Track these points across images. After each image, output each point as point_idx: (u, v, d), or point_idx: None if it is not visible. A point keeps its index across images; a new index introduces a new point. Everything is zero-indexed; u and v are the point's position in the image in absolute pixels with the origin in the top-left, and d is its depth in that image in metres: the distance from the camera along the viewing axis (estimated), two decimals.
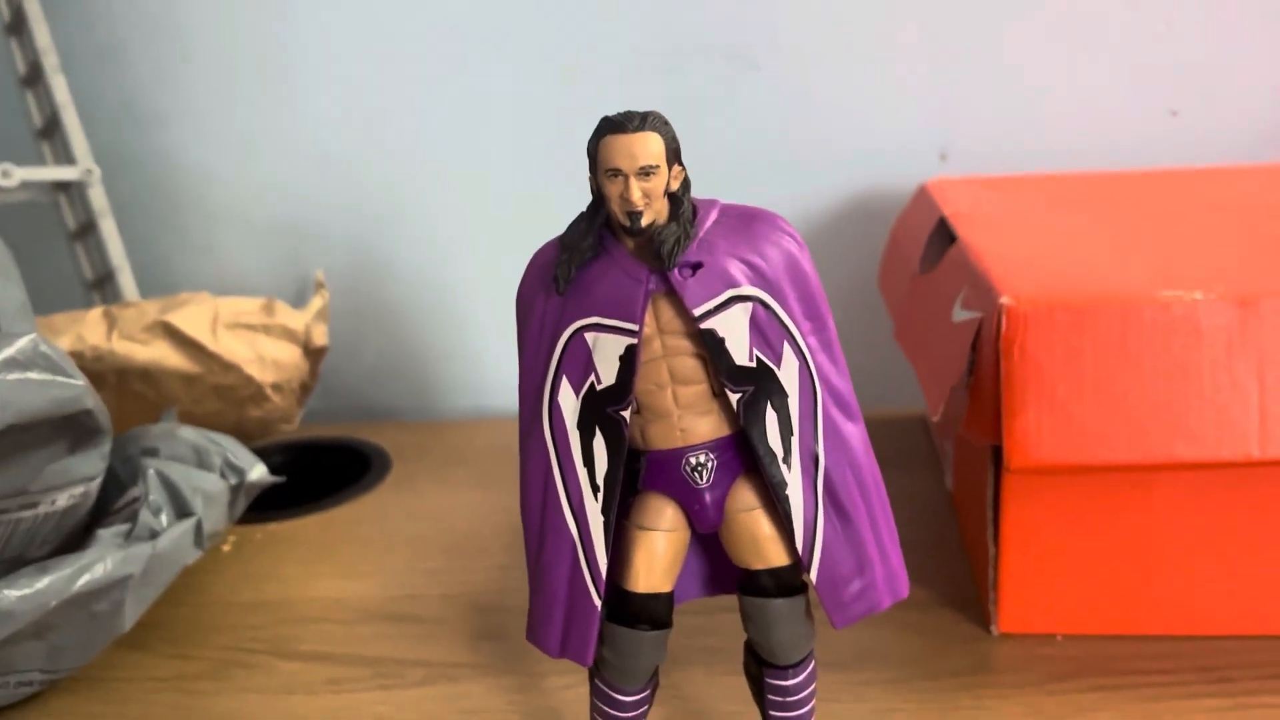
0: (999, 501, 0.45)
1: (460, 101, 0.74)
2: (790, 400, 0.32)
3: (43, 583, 0.42)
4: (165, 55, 0.75)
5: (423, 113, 0.75)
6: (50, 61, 0.69)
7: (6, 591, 0.41)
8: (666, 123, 0.31)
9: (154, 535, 0.47)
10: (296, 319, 0.64)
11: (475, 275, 0.78)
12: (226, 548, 0.59)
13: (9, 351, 0.39)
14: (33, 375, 0.40)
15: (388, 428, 0.75)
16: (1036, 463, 0.41)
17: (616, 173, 0.30)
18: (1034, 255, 0.47)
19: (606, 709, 0.35)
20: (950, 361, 0.45)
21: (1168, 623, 0.45)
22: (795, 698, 0.35)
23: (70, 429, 0.43)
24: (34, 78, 0.70)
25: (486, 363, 0.79)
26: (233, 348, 0.61)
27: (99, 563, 0.44)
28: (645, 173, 0.30)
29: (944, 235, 0.54)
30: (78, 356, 0.59)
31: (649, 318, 0.31)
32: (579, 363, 0.32)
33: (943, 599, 0.50)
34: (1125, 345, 0.41)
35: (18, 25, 0.70)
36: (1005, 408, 0.41)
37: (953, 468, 0.57)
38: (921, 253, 0.56)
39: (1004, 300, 0.41)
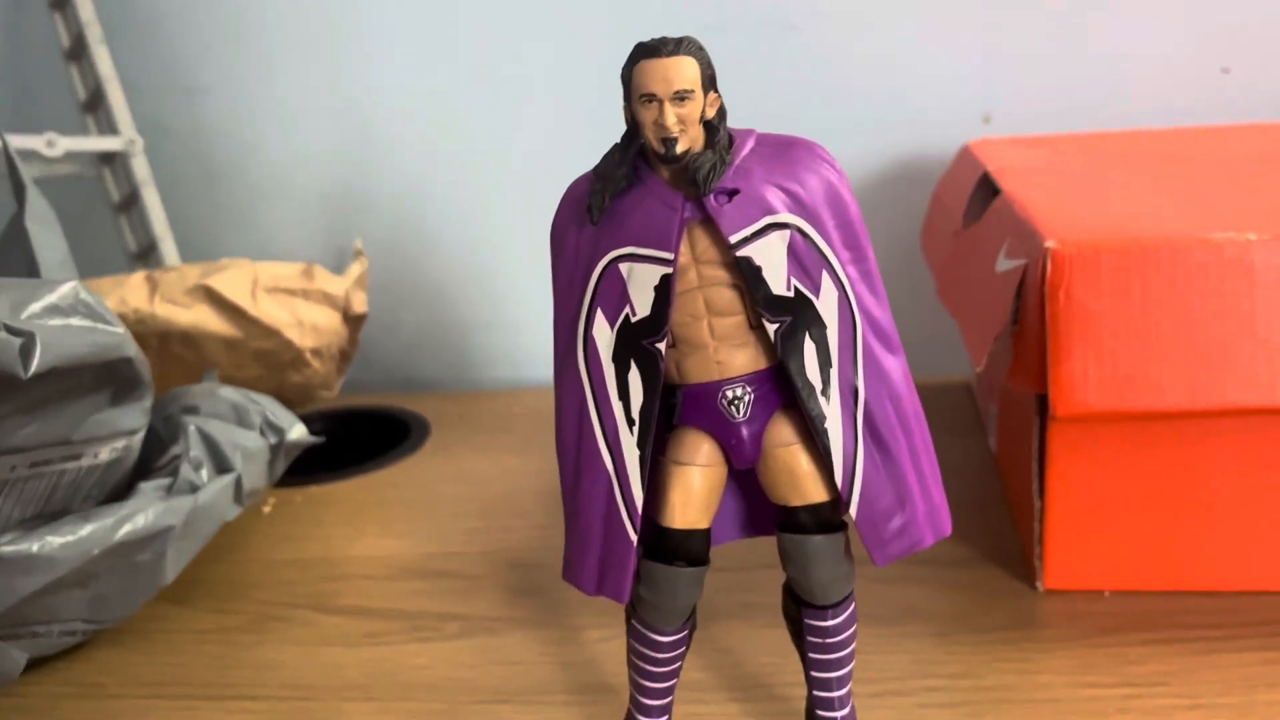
0: (1044, 453, 0.44)
1: (499, 71, 0.74)
2: (829, 331, 0.31)
3: (85, 530, 0.43)
4: (207, 27, 0.76)
5: (462, 83, 0.75)
6: (94, 34, 0.70)
7: (50, 538, 0.42)
8: (701, 48, 0.30)
9: (195, 489, 0.48)
10: (336, 284, 0.64)
11: (513, 247, 0.78)
12: (267, 509, 0.59)
13: (51, 298, 0.40)
14: (74, 321, 0.40)
15: (427, 397, 0.76)
16: (1083, 410, 0.40)
17: (651, 98, 0.30)
18: (1080, 203, 0.46)
19: (644, 649, 0.34)
20: (994, 311, 0.44)
21: (1219, 578, 0.44)
22: (835, 639, 0.34)
23: (111, 379, 0.43)
24: (78, 50, 0.71)
25: (524, 334, 0.79)
26: (272, 312, 0.62)
27: (140, 513, 0.45)
28: (680, 97, 0.29)
29: (987, 190, 0.53)
30: (121, 319, 0.59)
31: (684, 247, 0.31)
32: (614, 294, 0.31)
33: (986, 557, 0.49)
34: (1175, 288, 0.40)
35: (62, 0, 0.71)
36: (1050, 354, 0.41)
37: (996, 428, 0.56)
38: (964, 209, 0.55)
39: (1049, 244, 0.40)
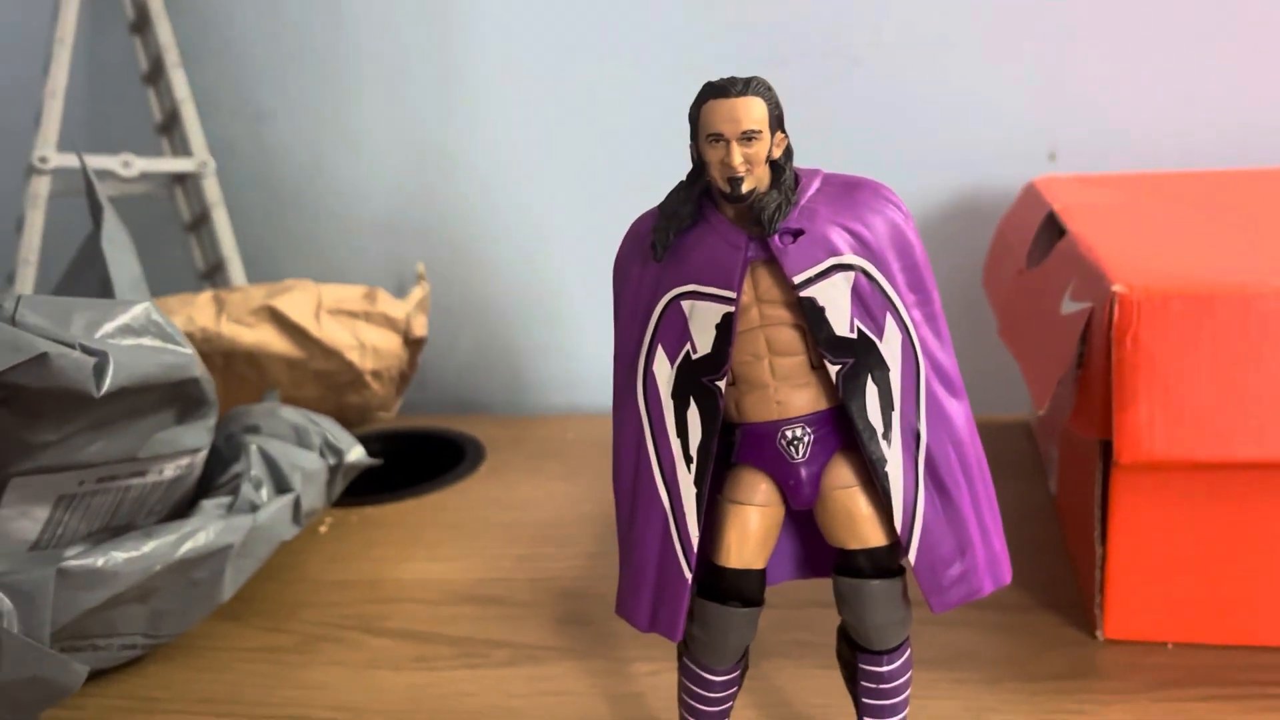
0: (1107, 500, 0.43)
1: (562, 99, 0.75)
2: (892, 374, 0.31)
3: (148, 546, 0.43)
4: (278, 53, 0.78)
5: (525, 110, 0.76)
6: (171, 58, 0.72)
7: (114, 553, 0.42)
8: (770, 88, 0.30)
9: (254, 509, 0.48)
10: (398, 308, 0.65)
11: (571, 272, 0.78)
12: (323, 529, 0.60)
13: (124, 318, 0.41)
14: (145, 342, 0.41)
15: (482, 420, 0.76)
16: (1148, 458, 0.39)
17: (718, 137, 0.30)
18: (1148, 246, 0.45)
19: (695, 688, 0.34)
20: (1058, 354, 0.44)
21: None
22: (890, 685, 0.33)
23: (178, 398, 0.44)
24: (156, 74, 0.73)
25: (580, 359, 0.79)
26: (335, 334, 0.62)
27: (201, 531, 0.45)
28: (747, 138, 0.30)
29: (1052, 230, 0.53)
30: (188, 337, 0.60)
31: (747, 286, 0.31)
32: (675, 331, 0.31)
33: (1044, 602, 0.48)
34: (1246, 336, 0.39)
35: (141, 24, 0.73)
36: (1116, 400, 0.40)
37: (1057, 471, 0.55)
38: (1028, 248, 0.54)
39: (1116, 288, 0.40)
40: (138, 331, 0.41)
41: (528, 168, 0.77)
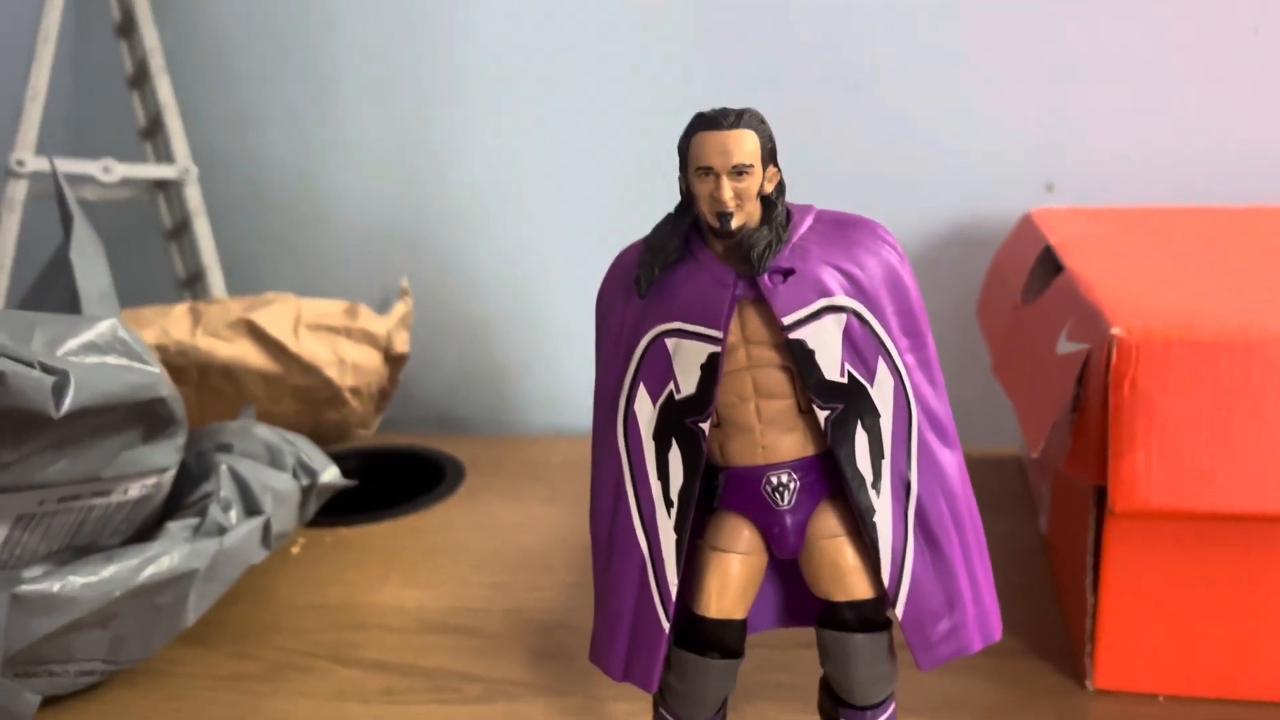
0: (1100, 547, 0.42)
1: (552, 116, 0.74)
2: (883, 421, 0.30)
3: (108, 571, 0.42)
4: (266, 60, 0.76)
5: (514, 126, 0.74)
6: (156, 63, 0.71)
7: (72, 578, 0.41)
8: (763, 121, 0.29)
9: (222, 531, 0.47)
10: (379, 324, 0.64)
11: (557, 291, 0.77)
12: (296, 550, 0.59)
13: (89, 335, 0.39)
14: (110, 360, 0.39)
15: (463, 440, 0.75)
16: (1144, 506, 0.38)
17: (708, 171, 0.29)
18: (1148, 287, 0.44)
19: None
20: (1053, 395, 0.43)
21: None
22: None
23: (144, 417, 0.43)
24: (140, 78, 0.72)
25: (565, 378, 0.78)
26: (313, 349, 0.61)
27: (165, 555, 0.44)
28: (738, 172, 0.28)
29: (1049, 265, 0.52)
30: (162, 350, 0.59)
31: (734, 325, 0.29)
32: (658, 370, 0.30)
33: (1033, 649, 0.47)
34: (1248, 385, 0.38)
35: (127, 27, 0.72)
36: (1112, 446, 0.39)
37: (1049, 510, 0.54)
38: (1024, 283, 0.53)
39: (1115, 331, 0.39)
40: (102, 349, 0.39)
41: (516, 183, 0.75)
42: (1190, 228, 0.56)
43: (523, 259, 0.77)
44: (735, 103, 0.75)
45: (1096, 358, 0.40)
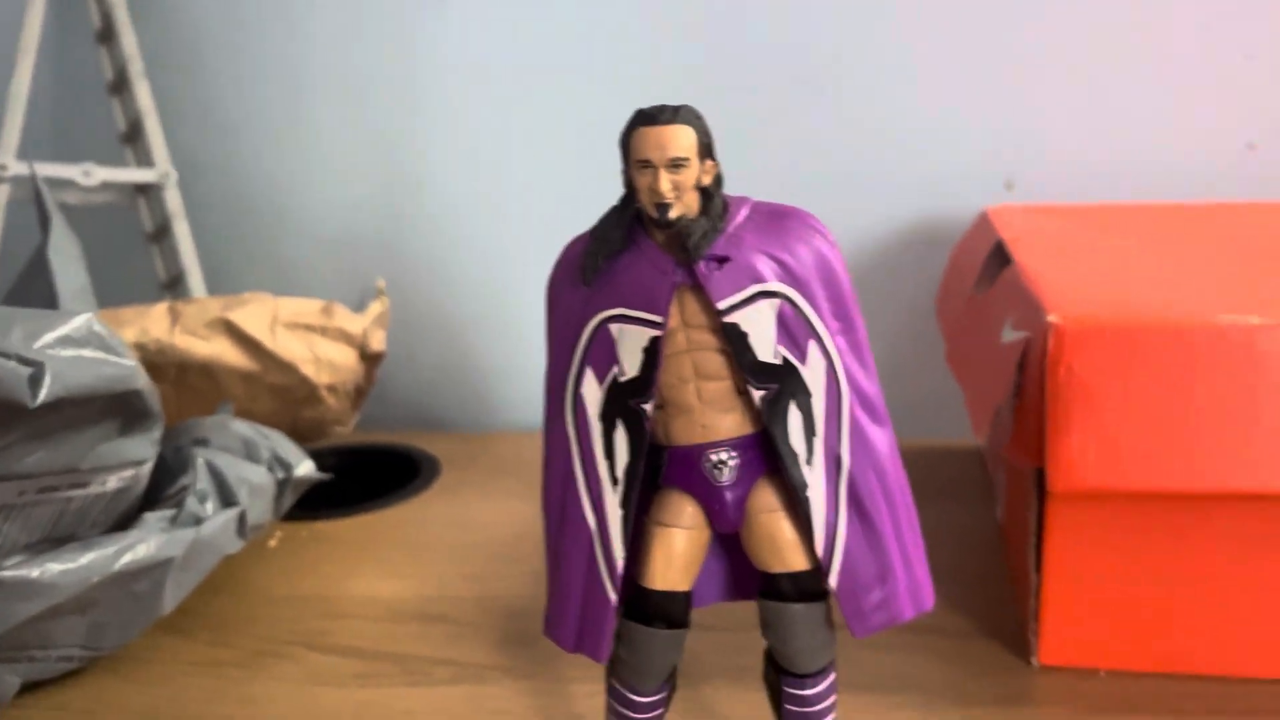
0: (1042, 528, 0.43)
1: (526, 119, 0.75)
2: (814, 400, 0.31)
3: (85, 559, 0.43)
4: (244, 65, 0.78)
5: (489, 129, 0.76)
6: (136, 69, 0.72)
7: (50, 565, 0.42)
8: (699, 116, 0.31)
9: (198, 522, 0.48)
10: (355, 323, 0.65)
11: (533, 289, 0.78)
12: (273, 543, 0.60)
13: (64, 329, 0.41)
14: (85, 353, 0.41)
15: (440, 437, 0.76)
16: (1080, 487, 0.40)
17: (646, 164, 0.30)
18: (1087, 278, 0.46)
19: (622, 710, 0.34)
20: (997, 382, 0.44)
21: (1217, 662, 0.43)
22: (814, 708, 0.34)
23: (121, 409, 0.44)
24: (120, 84, 0.73)
25: (539, 377, 0.79)
26: (290, 347, 0.62)
27: (141, 543, 0.45)
28: (675, 165, 0.30)
29: (1000, 258, 0.53)
30: (141, 349, 0.60)
31: (674, 310, 0.31)
32: (604, 354, 0.32)
33: (984, 630, 0.48)
34: (1178, 369, 0.39)
35: (107, 33, 0.73)
36: (1050, 429, 0.40)
37: (1004, 498, 0.56)
38: (976, 276, 0.55)
39: (1051, 318, 0.40)
40: (78, 342, 0.41)
41: (491, 184, 0.77)
42: (1140, 223, 0.58)
43: (497, 260, 0.78)
44: (703, 105, 0.77)
45: (1035, 345, 0.41)
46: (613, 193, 0.70)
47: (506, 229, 0.78)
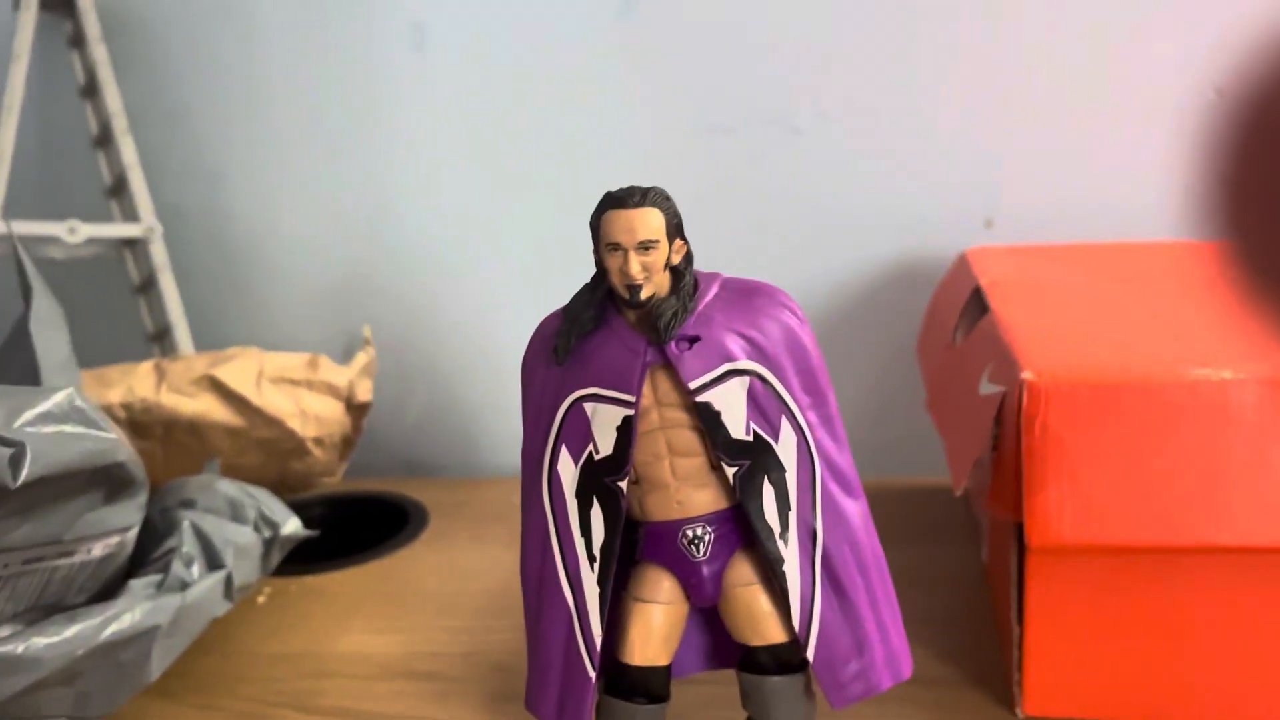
0: (1023, 579, 0.44)
1: (510, 162, 0.76)
2: (788, 475, 0.31)
3: (70, 631, 0.43)
4: (229, 118, 0.78)
5: (473, 175, 0.76)
6: (119, 124, 0.72)
7: (35, 639, 0.42)
8: (668, 198, 0.31)
9: (184, 587, 0.48)
10: (340, 375, 0.65)
11: (521, 333, 0.78)
12: (262, 599, 0.60)
13: (46, 405, 0.41)
14: (67, 429, 0.41)
15: (428, 484, 0.76)
16: (1057, 541, 0.40)
17: (616, 246, 0.31)
18: (1061, 329, 0.46)
19: None
20: (975, 435, 0.45)
21: (1198, 713, 0.44)
22: None
23: (105, 480, 0.44)
24: (105, 139, 0.74)
25: None
26: (276, 402, 0.63)
27: (127, 612, 0.45)
28: (645, 247, 0.30)
29: (978, 305, 0.54)
30: (128, 408, 0.61)
31: (647, 389, 0.31)
32: (578, 432, 0.32)
33: (970, 678, 0.48)
34: (1151, 425, 0.40)
35: (91, 88, 0.73)
36: (1026, 484, 0.41)
37: (987, 540, 0.56)
38: (955, 323, 0.55)
39: (1025, 375, 0.41)
40: (59, 418, 0.41)
41: (477, 230, 0.77)
42: (1118, 264, 0.58)
43: (484, 306, 0.79)
44: (685, 147, 0.77)
45: (1010, 399, 0.42)
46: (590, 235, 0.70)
47: (491, 275, 0.78)
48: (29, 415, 0.40)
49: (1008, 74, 0.69)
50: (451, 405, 0.81)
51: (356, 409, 0.67)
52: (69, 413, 0.41)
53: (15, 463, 0.38)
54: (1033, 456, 0.40)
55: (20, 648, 0.42)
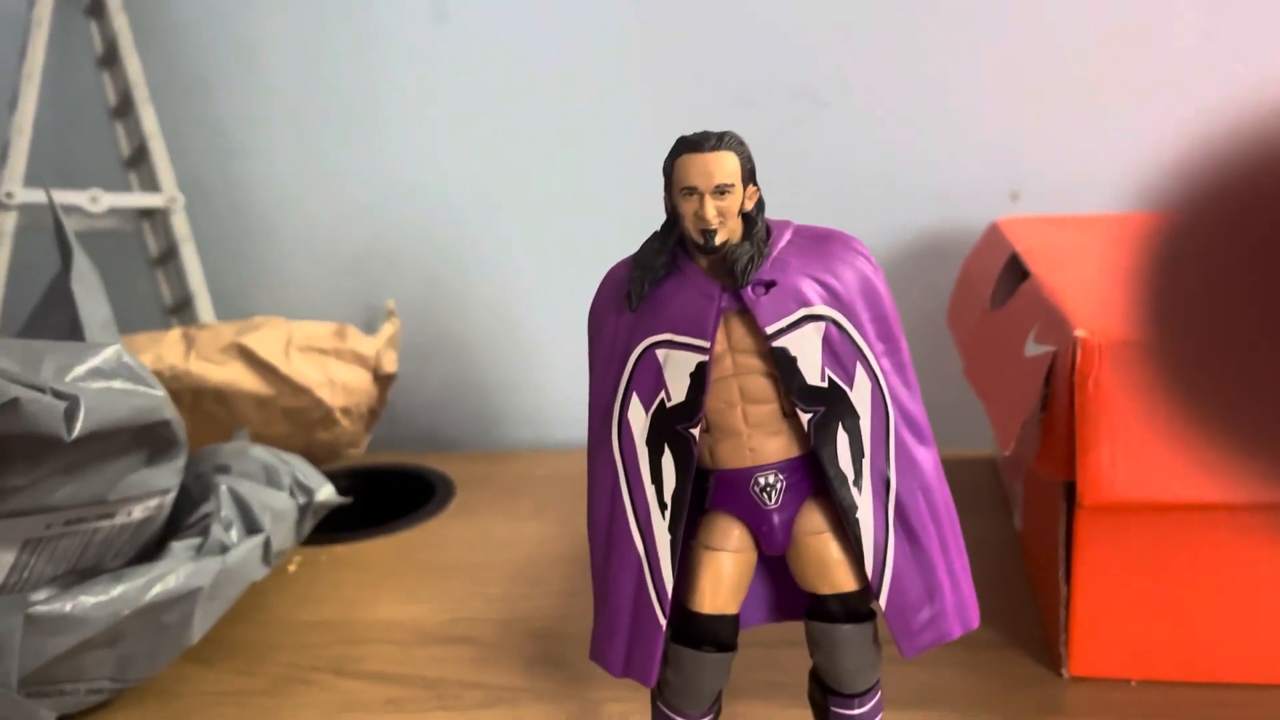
0: (1071, 540, 0.44)
1: (532, 135, 0.75)
2: (862, 422, 0.31)
3: (116, 591, 0.43)
4: (248, 90, 0.78)
5: (496, 147, 0.76)
6: (140, 94, 0.72)
7: (83, 598, 0.42)
8: (742, 143, 0.31)
9: (224, 550, 0.48)
10: (368, 345, 0.65)
11: (542, 308, 0.79)
12: (292, 568, 0.60)
13: (94, 361, 0.41)
14: (116, 384, 0.41)
15: (451, 457, 0.76)
16: (1110, 499, 0.40)
17: (692, 190, 0.30)
18: (1108, 290, 0.46)
19: None
20: (1022, 396, 0.45)
21: (1248, 670, 0.44)
22: None
23: (148, 440, 0.44)
24: (124, 109, 0.73)
25: (551, 394, 0.79)
26: (304, 371, 0.62)
27: (171, 574, 0.45)
28: (720, 191, 0.30)
29: (1016, 272, 0.54)
30: (156, 375, 0.60)
31: (720, 335, 0.31)
32: (649, 379, 0.32)
33: (1010, 640, 0.49)
34: None
35: (110, 58, 0.73)
36: (1079, 443, 0.41)
37: (1022, 508, 0.56)
38: (992, 289, 0.55)
39: (1078, 333, 0.41)
40: (108, 374, 0.41)
41: (498, 203, 0.77)
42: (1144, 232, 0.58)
43: (506, 279, 0.78)
44: (710, 119, 0.77)
45: (1062, 359, 0.42)
46: (620, 207, 0.71)
47: (514, 246, 0.78)
48: (80, 370, 0.40)
49: (1033, 46, 0.69)
50: (472, 379, 0.81)
51: (382, 380, 0.67)
52: (118, 369, 0.41)
53: (70, 416, 0.38)
54: (1085, 414, 0.41)
55: (68, 606, 0.41)
